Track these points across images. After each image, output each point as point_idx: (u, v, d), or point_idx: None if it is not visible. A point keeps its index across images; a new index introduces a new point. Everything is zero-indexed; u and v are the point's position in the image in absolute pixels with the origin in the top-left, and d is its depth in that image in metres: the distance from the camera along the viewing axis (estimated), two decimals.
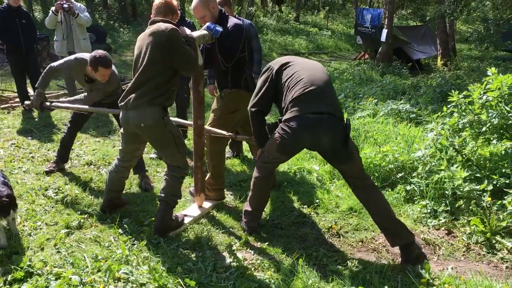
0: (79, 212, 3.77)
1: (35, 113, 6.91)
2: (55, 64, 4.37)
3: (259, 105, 3.35)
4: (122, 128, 3.54)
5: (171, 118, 3.59)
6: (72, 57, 4.36)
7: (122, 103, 3.36)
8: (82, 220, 3.63)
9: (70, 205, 3.95)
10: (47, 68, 4.36)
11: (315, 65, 3.36)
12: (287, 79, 3.20)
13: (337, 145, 3.05)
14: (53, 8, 6.86)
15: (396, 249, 3.22)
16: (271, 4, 28.02)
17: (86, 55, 4.24)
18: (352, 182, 3.24)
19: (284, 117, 3.12)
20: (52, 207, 3.89)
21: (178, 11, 3.56)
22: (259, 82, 3.38)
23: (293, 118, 3.05)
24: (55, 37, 7.14)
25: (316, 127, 3.01)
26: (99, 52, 4.03)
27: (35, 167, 4.80)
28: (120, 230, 3.51)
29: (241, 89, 3.90)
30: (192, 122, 3.83)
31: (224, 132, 3.84)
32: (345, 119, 3.10)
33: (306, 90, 3.06)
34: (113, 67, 4.26)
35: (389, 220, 3.13)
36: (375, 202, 3.17)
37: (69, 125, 4.72)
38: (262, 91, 3.32)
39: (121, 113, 3.43)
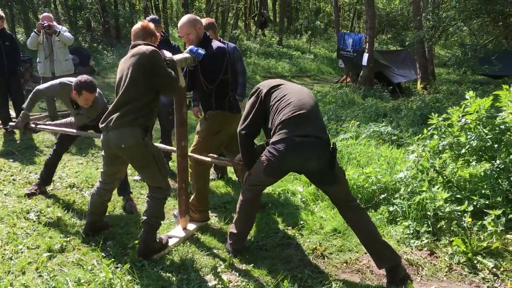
0: (61, 235, 3.72)
1: (17, 135, 6.84)
2: (41, 87, 4.44)
3: (249, 127, 3.36)
4: (103, 150, 3.53)
5: (156, 144, 3.61)
6: (57, 81, 4.40)
7: (103, 125, 3.35)
8: (64, 243, 3.59)
9: (52, 228, 3.89)
10: (34, 90, 4.38)
11: (302, 89, 3.42)
12: (275, 102, 3.24)
13: (323, 168, 3.10)
14: (35, 29, 6.92)
15: (381, 270, 3.24)
16: (255, 27, 28.37)
17: (71, 80, 4.29)
18: (337, 204, 3.28)
19: (272, 140, 3.15)
20: (34, 230, 3.84)
21: (157, 34, 3.62)
22: (248, 105, 3.41)
23: (280, 140, 3.08)
24: (37, 58, 7.17)
25: (303, 150, 3.05)
26: (84, 77, 4.09)
27: (16, 190, 4.73)
28: (103, 253, 3.47)
29: (225, 110, 3.95)
30: (175, 148, 3.84)
31: (206, 158, 3.85)
32: (331, 143, 3.15)
33: (295, 114, 3.11)
34: (99, 92, 4.31)
35: (375, 242, 3.16)
36: (360, 224, 3.20)
37: (55, 147, 4.69)
38: (251, 114, 3.35)
39: (102, 135, 3.43)
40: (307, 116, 3.12)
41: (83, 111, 4.32)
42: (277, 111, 3.20)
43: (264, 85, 3.40)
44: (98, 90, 4.28)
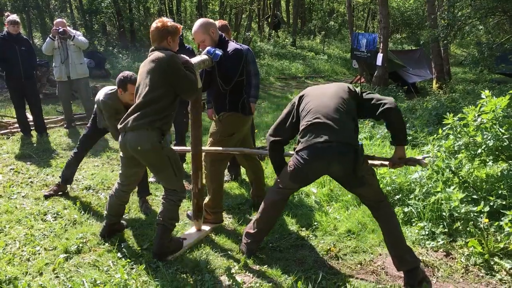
0: (77, 237, 3.77)
1: (34, 139, 6.95)
2: (100, 121, 4.38)
3: (277, 135, 3.42)
4: (120, 152, 3.58)
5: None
6: (102, 99, 4.18)
7: (121, 126, 3.40)
8: (80, 245, 3.63)
9: (68, 229, 3.95)
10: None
11: (328, 91, 3.34)
12: (301, 111, 3.29)
13: (349, 171, 3.08)
14: (50, 34, 7.06)
15: (395, 271, 3.22)
16: (268, 29, 28.37)
17: (108, 88, 4.26)
18: (368, 204, 3.27)
19: (297, 148, 3.19)
20: (51, 232, 3.89)
21: (177, 30, 3.49)
22: (282, 113, 3.46)
23: (303, 148, 3.11)
24: (53, 63, 7.31)
25: (325, 156, 3.04)
26: (125, 72, 4.09)
27: (34, 192, 4.81)
28: (119, 254, 3.51)
29: (239, 112, 3.97)
30: (190, 148, 3.87)
31: (220, 148, 3.91)
32: (357, 144, 3.09)
33: (314, 121, 3.12)
34: None
35: (400, 245, 3.14)
36: (390, 225, 3.19)
37: (75, 149, 4.75)
38: (283, 123, 3.41)
39: (119, 136, 3.47)
40: (326, 120, 3.09)
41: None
42: (300, 120, 3.25)
43: (297, 96, 3.44)
44: None
